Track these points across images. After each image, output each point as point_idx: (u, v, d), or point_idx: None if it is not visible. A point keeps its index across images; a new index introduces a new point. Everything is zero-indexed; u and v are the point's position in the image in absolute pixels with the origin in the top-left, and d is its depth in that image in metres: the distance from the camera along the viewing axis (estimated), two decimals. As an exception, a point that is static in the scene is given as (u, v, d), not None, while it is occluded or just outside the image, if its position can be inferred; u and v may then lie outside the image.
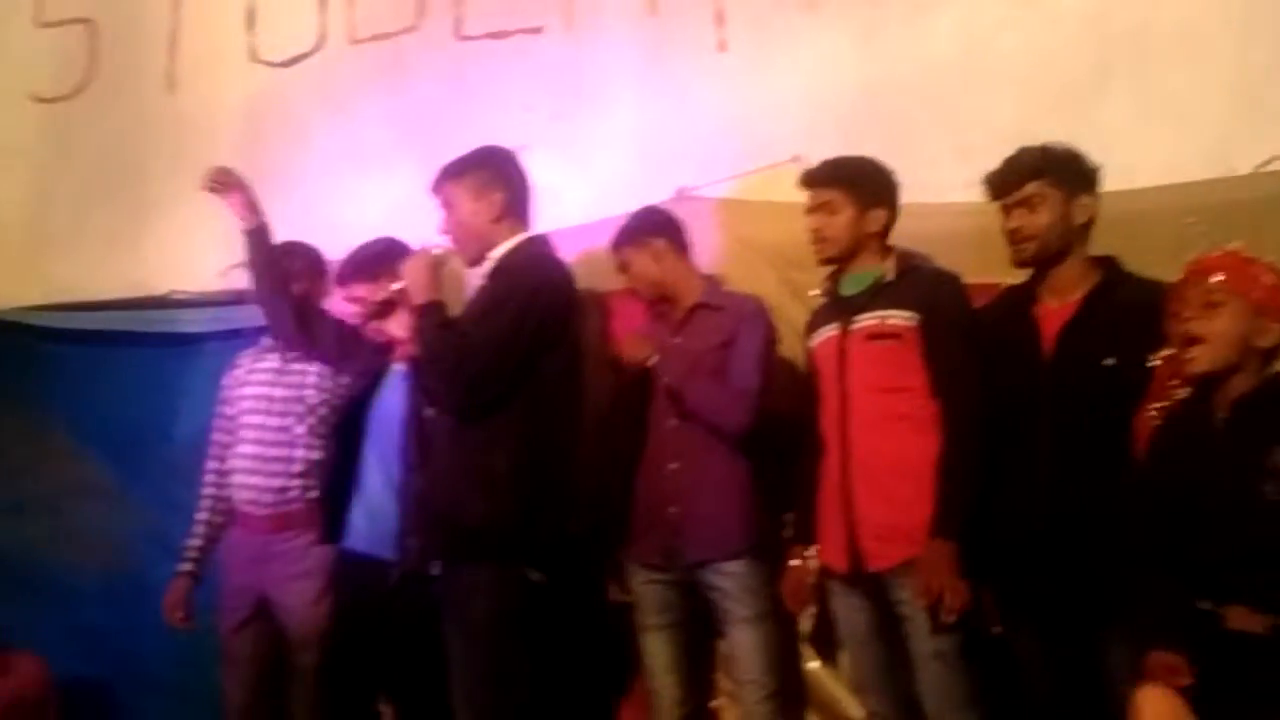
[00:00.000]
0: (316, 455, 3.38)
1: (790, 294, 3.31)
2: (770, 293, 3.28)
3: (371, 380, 3.29)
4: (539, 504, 2.86)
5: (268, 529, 3.37)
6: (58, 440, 4.27)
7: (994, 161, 2.78)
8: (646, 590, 3.12)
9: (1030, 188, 2.72)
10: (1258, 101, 3.24)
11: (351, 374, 3.37)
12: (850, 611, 2.88)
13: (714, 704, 3.27)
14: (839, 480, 2.84)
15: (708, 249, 3.36)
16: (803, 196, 2.98)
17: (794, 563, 2.95)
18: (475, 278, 3.09)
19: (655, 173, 3.65)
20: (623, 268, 3.25)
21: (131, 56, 4.53)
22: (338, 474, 3.27)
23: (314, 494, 3.36)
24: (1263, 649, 2.21)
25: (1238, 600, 2.24)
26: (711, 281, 3.25)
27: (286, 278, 3.44)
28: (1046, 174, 2.72)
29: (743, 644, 3.04)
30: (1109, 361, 2.58)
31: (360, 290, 3.33)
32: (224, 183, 3.38)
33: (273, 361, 3.50)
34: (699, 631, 3.14)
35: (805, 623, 3.15)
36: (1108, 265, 2.73)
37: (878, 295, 2.88)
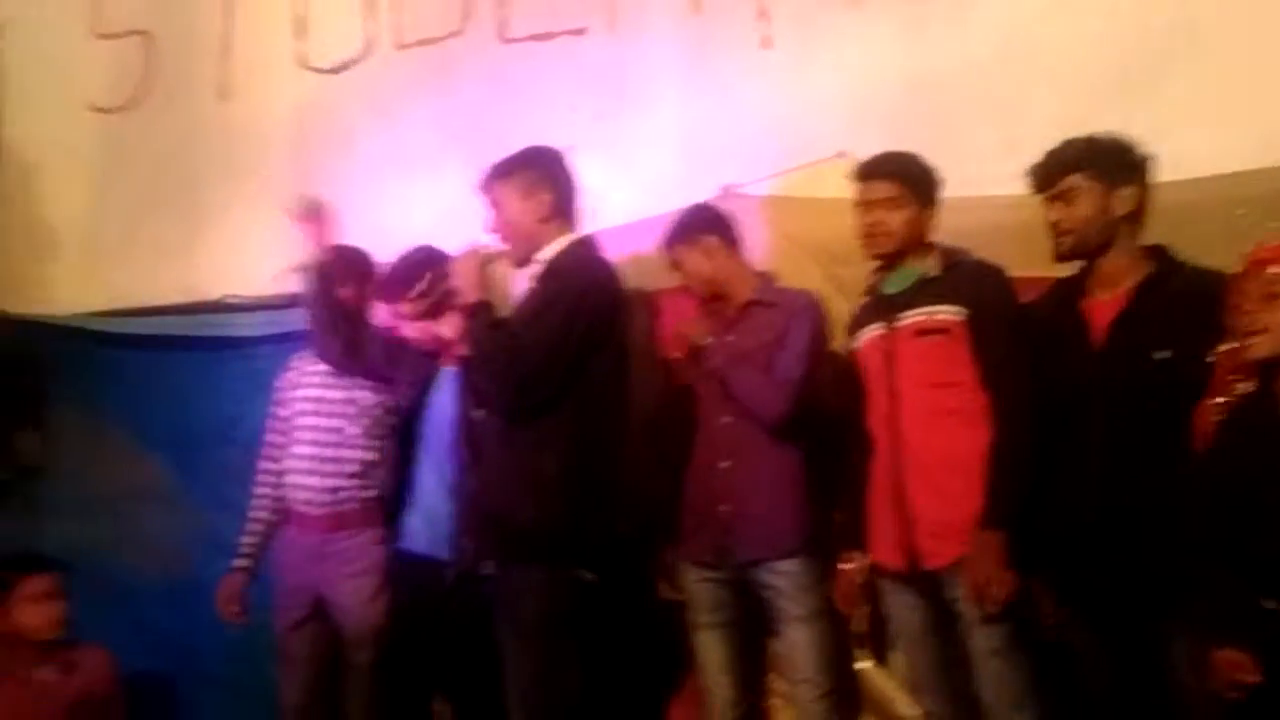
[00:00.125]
0: (372, 456, 3.42)
1: (835, 289, 3.28)
2: (816, 289, 3.24)
3: (421, 388, 3.31)
4: (589, 505, 2.88)
5: (323, 528, 3.40)
6: (119, 442, 4.35)
7: (1041, 153, 2.75)
8: (699, 589, 3.12)
9: (1068, 181, 2.69)
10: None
11: (403, 384, 3.39)
12: (905, 610, 2.87)
13: (767, 704, 3.25)
14: (891, 478, 2.82)
15: (753, 246, 3.34)
16: (847, 192, 2.97)
17: (844, 566, 2.94)
18: (520, 278, 3.11)
19: (700, 171, 3.63)
20: (675, 266, 3.23)
21: (185, 67, 4.58)
22: (396, 475, 3.30)
23: (371, 493, 3.39)
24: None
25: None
26: (765, 278, 3.22)
27: (339, 312, 3.42)
28: (1085, 167, 2.68)
29: (797, 643, 3.02)
30: (1162, 354, 2.54)
31: (404, 307, 3.34)
32: (314, 214, 3.40)
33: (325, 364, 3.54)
34: (752, 631, 3.12)
35: (859, 623, 3.12)
36: (1159, 255, 2.69)
37: (922, 291, 2.86)
